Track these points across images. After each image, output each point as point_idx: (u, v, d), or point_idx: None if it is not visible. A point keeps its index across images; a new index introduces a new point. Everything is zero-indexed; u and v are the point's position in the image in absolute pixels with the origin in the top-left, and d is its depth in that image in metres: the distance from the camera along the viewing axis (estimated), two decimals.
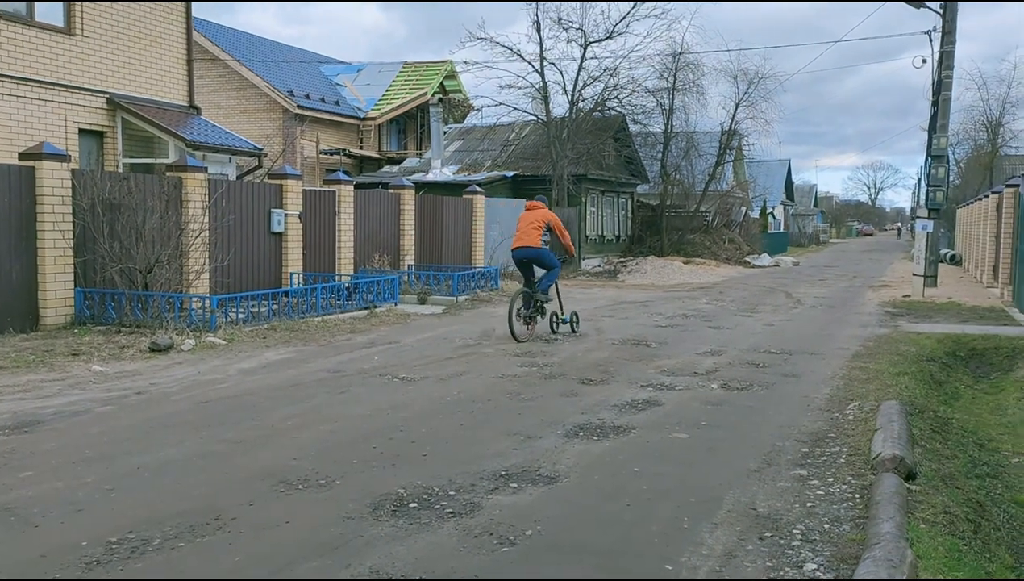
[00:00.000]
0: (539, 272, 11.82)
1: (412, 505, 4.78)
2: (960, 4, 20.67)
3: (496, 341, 11.19)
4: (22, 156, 11.09)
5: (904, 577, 3.56)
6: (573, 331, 11.83)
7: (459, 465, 5.54)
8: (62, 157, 11.16)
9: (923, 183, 22.99)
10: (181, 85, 17.17)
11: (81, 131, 15.11)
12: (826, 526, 4.54)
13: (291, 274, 14.84)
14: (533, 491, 5.08)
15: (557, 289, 12.13)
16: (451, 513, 4.66)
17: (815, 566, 4.02)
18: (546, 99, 26.29)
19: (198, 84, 18.81)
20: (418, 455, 5.79)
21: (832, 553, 4.17)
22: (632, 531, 4.46)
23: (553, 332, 11.67)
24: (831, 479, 5.35)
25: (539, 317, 11.53)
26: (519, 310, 11.18)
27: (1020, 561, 4.69)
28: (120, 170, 15.28)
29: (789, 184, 64.65)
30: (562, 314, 11.88)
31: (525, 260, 11.54)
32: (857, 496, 4.98)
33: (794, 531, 4.45)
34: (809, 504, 4.89)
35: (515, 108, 26.65)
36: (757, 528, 4.50)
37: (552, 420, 6.82)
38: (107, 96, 15.43)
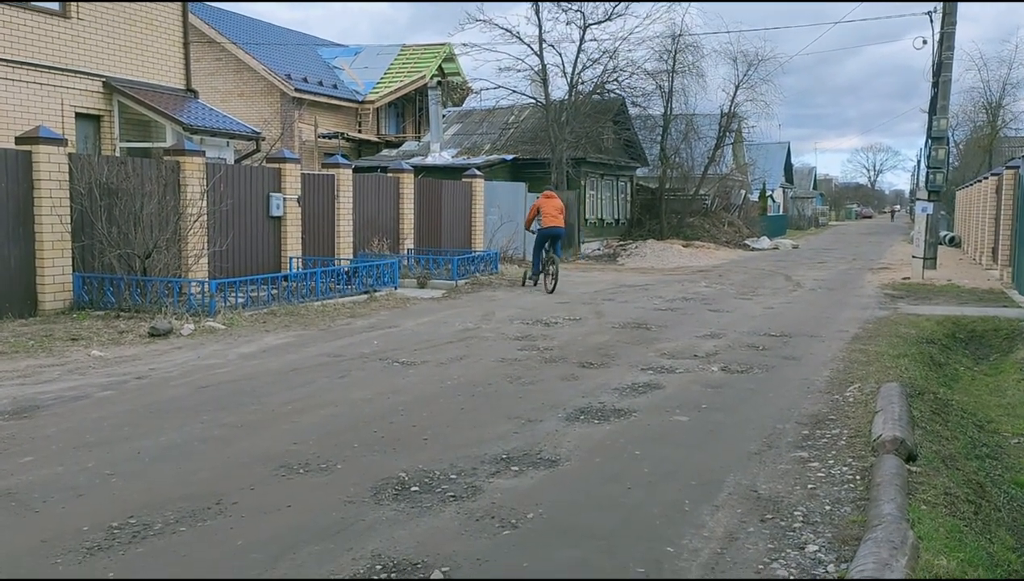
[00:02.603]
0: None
1: (414, 489, 4.78)
2: None
3: (496, 324, 11.19)
4: (19, 140, 11.02)
5: (906, 558, 3.57)
6: (533, 286, 16.16)
7: (460, 449, 5.54)
8: (59, 141, 11.10)
9: (923, 165, 22.94)
10: (178, 68, 17.06)
11: (78, 115, 15.03)
12: (827, 508, 4.54)
13: (290, 258, 14.81)
14: (534, 474, 5.08)
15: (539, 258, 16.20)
16: (453, 497, 4.66)
17: (816, 548, 4.02)
18: (545, 82, 26.14)
19: (195, 67, 18.69)
20: (419, 439, 5.78)
21: (833, 535, 4.17)
22: (633, 514, 4.46)
23: (534, 285, 16.19)
24: (832, 461, 5.35)
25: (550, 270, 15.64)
26: (543, 270, 15.77)
27: (1021, 542, 4.70)
28: (117, 154, 15.21)
29: (788, 167, 64.51)
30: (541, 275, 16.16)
31: (554, 235, 15.79)
32: (858, 478, 4.98)
33: (795, 513, 4.46)
34: (810, 486, 4.89)
35: (514, 91, 26.50)
36: (758, 510, 4.50)
37: (553, 404, 6.82)
38: (103, 80, 15.34)
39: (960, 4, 19.82)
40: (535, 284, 16.10)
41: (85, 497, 4.63)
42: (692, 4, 69.92)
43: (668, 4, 42.34)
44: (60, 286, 11.03)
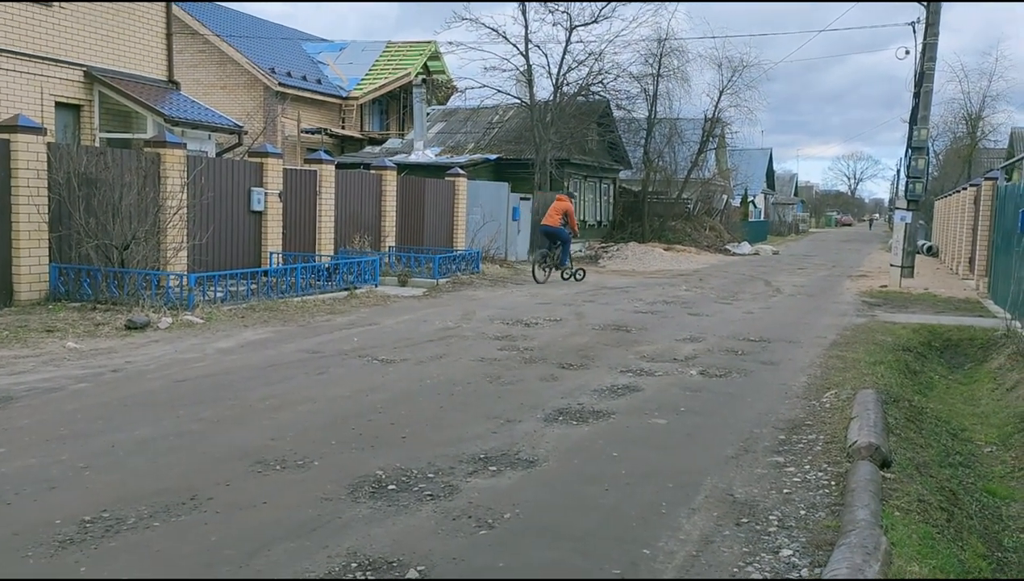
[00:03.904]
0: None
1: (391, 487, 4.76)
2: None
3: (477, 324, 11.18)
4: None
5: (879, 564, 3.60)
6: (576, 279, 18.24)
7: (438, 447, 5.53)
8: (38, 130, 10.97)
9: (903, 174, 23.16)
10: (160, 59, 16.93)
11: (57, 104, 14.88)
12: (802, 512, 4.57)
13: (270, 253, 14.72)
14: (512, 475, 5.08)
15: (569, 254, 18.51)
16: (430, 496, 4.65)
17: (791, 552, 4.05)
18: (530, 82, 26.14)
19: (177, 59, 18.54)
20: (397, 437, 5.77)
21: (808, 539, 4.20)
22: (610, 515, 4.47)
23: (575, 279, 18.30)
24: (808, 466, 5.39)
25: (553, 269, 18.04)
26: (539, 263, 17.79)
27: (991, 549, 4.75)
28: (97, 144, 15.05)
29: (770, 173, 64.92)
30: (574, 269, 18.63)
31: (547, 233, 18.35)
32: (833, 483, 5.02)
33: (771, 517, 4.49)
34: (786, 491, 4.93)
35: (499, 91, 26.49)
36: (734, 514, 4.53)
37: (532, 404, 6.82)
38: (84, 69, 15.19)
39: (943, 15, 19.98)
40: (536, 277, 17.63)
41: (58, 490, 4.58)
42: (679, 9, 70.21)
43: (655, 8, 42.60)
44: (36, 277, 10.90)
